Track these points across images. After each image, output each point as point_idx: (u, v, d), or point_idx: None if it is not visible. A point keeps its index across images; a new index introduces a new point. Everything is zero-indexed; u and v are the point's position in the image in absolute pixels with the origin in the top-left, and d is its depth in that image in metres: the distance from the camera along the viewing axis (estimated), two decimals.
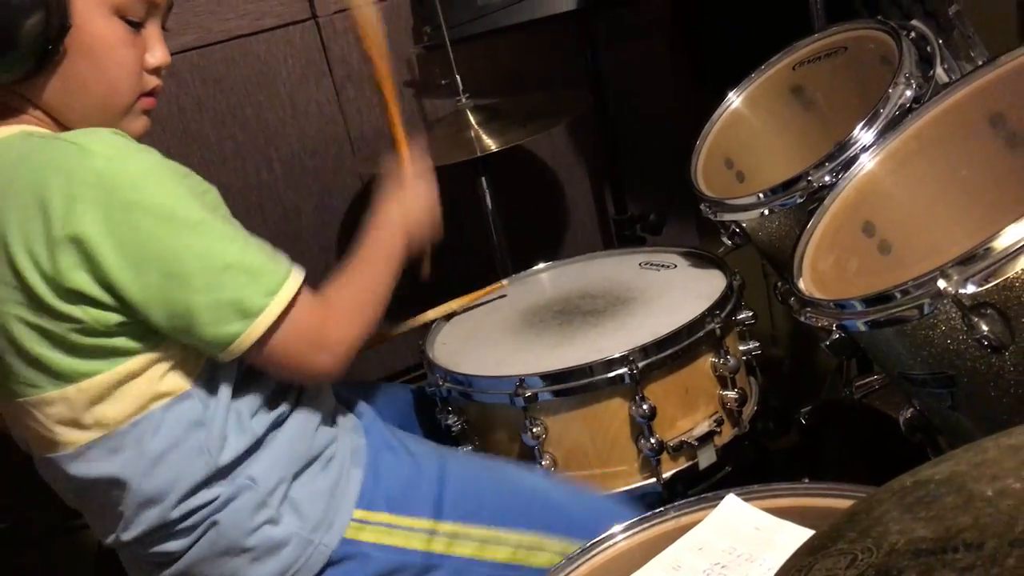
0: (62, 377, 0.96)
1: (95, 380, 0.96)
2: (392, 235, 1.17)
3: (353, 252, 1.13)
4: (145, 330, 0.96)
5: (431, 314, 1.44)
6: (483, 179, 1.75)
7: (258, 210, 1.96)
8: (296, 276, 0.99)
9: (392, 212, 1.19)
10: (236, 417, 1.02)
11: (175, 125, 1.87)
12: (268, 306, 0.95)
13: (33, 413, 0.98)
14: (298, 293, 0.98)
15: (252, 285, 0.95)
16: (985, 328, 0.79)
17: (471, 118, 1.71)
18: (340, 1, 1.56)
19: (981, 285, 0.80)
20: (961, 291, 0.80)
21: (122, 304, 0.93)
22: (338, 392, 1.22)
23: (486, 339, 1.40)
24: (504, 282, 1.50)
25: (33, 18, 0.89)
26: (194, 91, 1.87)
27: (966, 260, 0.80)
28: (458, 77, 1.73)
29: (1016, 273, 0.79)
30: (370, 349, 1.23)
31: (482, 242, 1.82)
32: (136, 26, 0.99)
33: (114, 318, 0.94)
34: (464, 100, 1.74)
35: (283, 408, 1.07)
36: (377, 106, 2.02)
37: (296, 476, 1.06)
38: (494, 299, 1.50)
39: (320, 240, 2.02)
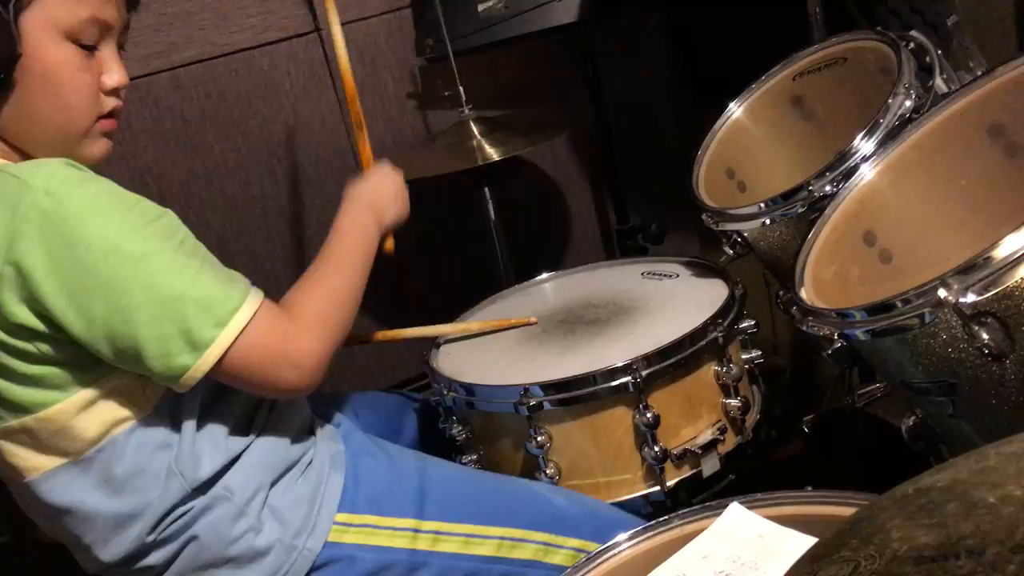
0: (18, 408, 0.96)
1: (52, 410, 0.95)
2: (357, 234, 1.16)
3: (318, 257, 1.12)
4: (95, 360, 0.95)
5: (446, 328, 1.44)
6: (486, 190, 1.76)
7: (262, 221, 1.97)
8: (251, 301, 0.97)
9: (355, 210, 1.19)
10: (210, 436, 1.02)
11: (179, 138, 1.88)
12: (217, 337, 0.94)
13: (0, 442, 0.99)
14: (253, 317, 0.96)
15: (201, 316, 0.93)
16: (986, 337, 0.80)
17: (474, 129, 1.73)
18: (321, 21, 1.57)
19: (981, 294, 0.80)
20: (961, 300, 0.80)
21: (68, 337, 0.92)
22: (315, 405, 1.22)
23: (490, 349, 1.41)
24: (532, 319, 1.46)
25: None
26: (198, 104, 1.88)
27: (966, 269, 0.81)
28: (461, 88, 1.74)
29: (1016, 282, 0.80)
30: (350, 346, 1.23)
31: (485, 252, 1.83)
32: (90, 49, 0.98)
33: (62, 351, 0.93)
34: (467, 111, 1.75)
35: (257, 423, 1.07)
36: (380, 116, 2.03)
37: (274, 483, 1.07)
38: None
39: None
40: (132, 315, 0.91)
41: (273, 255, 1.99)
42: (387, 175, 1.29)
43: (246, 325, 0.95)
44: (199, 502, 1.02)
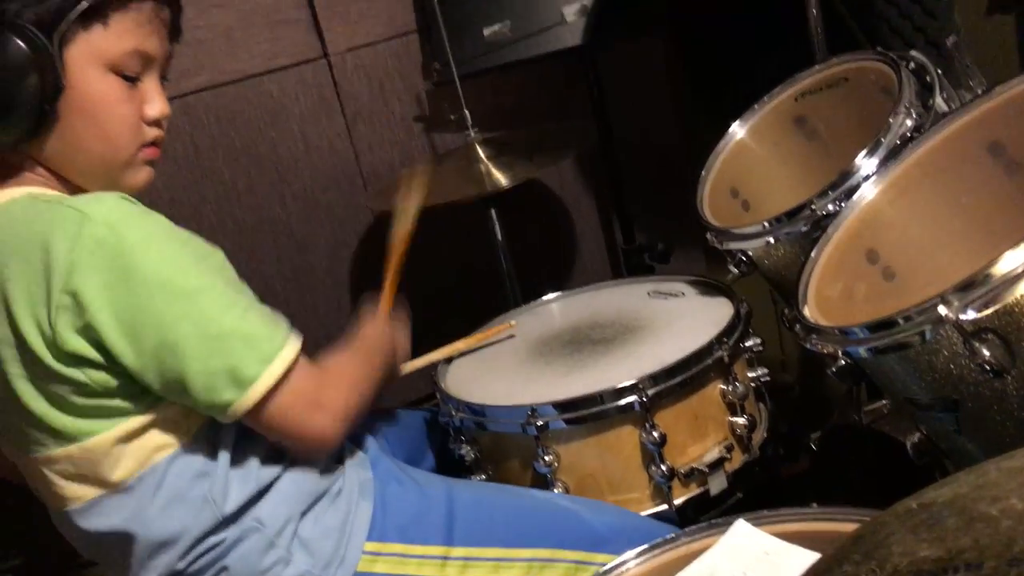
0: (64, 436, 0.97)
1: (97, 439, 0.97)
2: (378, 341, 1.19)
3: (341, 348, 1.13)
4: (144, 390, 0.97)
5: (436, 355, 1.45)
6: (493, 211, 1.78)
7: (272, 245, 1.99)
8: (294, 342, 0.99)
9: (378, 331, 1.21)
10: (242, 465, 1.03)
11: (190, 163, 1.91)
12: (262, 374, 0.95)
13: (41, 470, 1.00)
14: (295, 359, 0.98)
15: (247, 353, 0.95)
16: (987, 353, 0.81)
17: (480, 152, 1.75)
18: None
19: (981, 311, 0.81)
20: (962, 317, 0.81)
21: (119, 367, 0.94)
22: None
23: (497, 369, 1.42)
24: (512, 323, 1.51)
25: (28, 81, 0.90)
26: (209, 130, 1.91)
27: (966, 286, 0.82)
28: (467, 112, 1.77)
29: (1016, 298, 0.81)
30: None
31: (492, 273, 1.85)
32: (132, 80, 1.00)
33: (113, 380, 0.95)
34: (473, 134, 1.77)
35: (288, 454, 1.08)
36: (387, 140, 2.05)
37: (304, 514, 1.07)
38: (503, 339, 1.51)
39: (333, 274, 2.05)
40: (181, 349, 0.93)
41: (283, 279, 2.01)
42: (401, 329, 1.26)
43: (290, 365, 0.97)
44: (231, 533, 1.02)
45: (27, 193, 0.97)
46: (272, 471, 1.05)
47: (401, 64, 2.04)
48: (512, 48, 1.86)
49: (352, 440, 1.23)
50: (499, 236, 1.80)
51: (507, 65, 1.89)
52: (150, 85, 1.02)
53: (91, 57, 0.96)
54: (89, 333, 0.92)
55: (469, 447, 1.32)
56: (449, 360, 1.48)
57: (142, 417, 0.98)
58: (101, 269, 0.90)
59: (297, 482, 1.07)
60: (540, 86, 2.13)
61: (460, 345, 1.47)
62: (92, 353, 0.93)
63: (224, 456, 1.02)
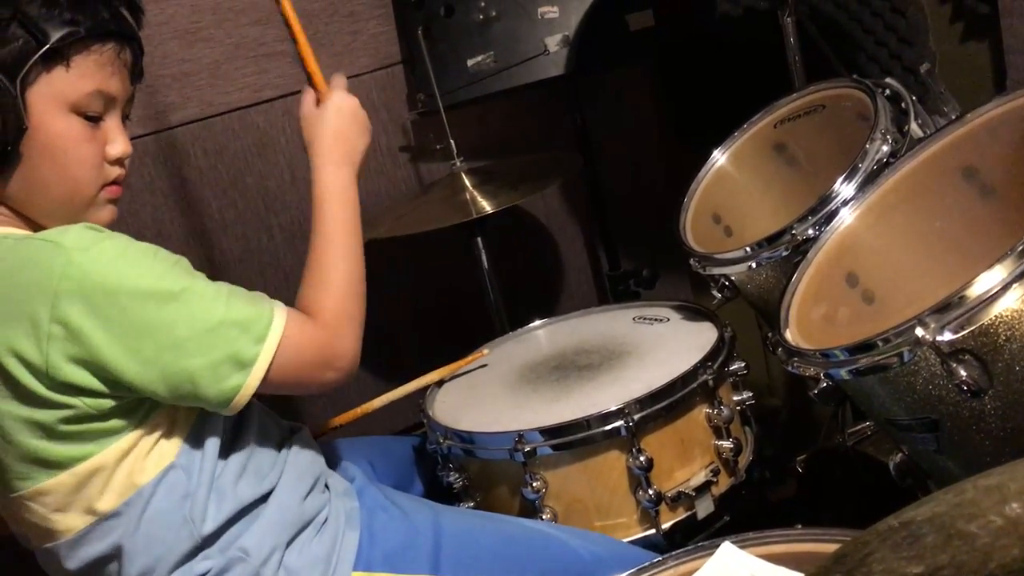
0: (55, 465, 0.98)
1: (87, 464, 0.98)
2: (343, 201, 1.15)
3: (314, 241, 1.13)
4: (133, 409, 0.98)
5: (411, 387, 1.44)
6: (479, 239, 1.79)
7: (259, 276, 2.00)
8: (280, 314, 1.02)
9: (330, 169, 1.16)
10: (218, 486, 1.03)
11: (178, 196, 1.91)
12: (261, 352, 0.98)
13: (30, 505, 1.00)
14: (286, 327, 1.01)
15: (242, 337, 0.98)
16: (964, 374, 0.83)
17: (466, 181, 1.76)
18: None
19: (957, 332, 0.83)
20: (939, 338, 0.83)
21: (120, 386, 0.95)
22: (329, 456, 1.24)
23: (485, 396, 1.43)
24: (484, 350, 1.52)
25: None
26: (196, 162, 1.92)
27: (942, 308, 0.84)
28: (452, 141, 1.78)
29: (991, 319, 0.83)
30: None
31: (479, 301, 1.86)
32: (94, 120, 1.01)
33: (107, 402, 0.96)
34: (458, 164, 1.79)
35: (272, 475, 1.09)
36: (374, 170, 2.07)
37: (290, 543, 1.07)
38: (477, 367, 1.52)
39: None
40: (181, 350, 0.95)
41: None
42: (344, 108, 1.19)
43: (282, 336, 1.00)
44: (216, 562, 1.03)
45: None
46: (254, 492, 1.06)
47: (386, 95, 2.06)
48: (496, 79, 1.88)
49: (338, 468, 1.23)
50: (485, 264, 1.81)
51: (491, 95, 1.91)
52: (112, 125, 1.03)
53: (53, 98, 0.97)
54: (85, 358, 0.93)
55: (457, 474, 1.33)
56: (440, 385, 1.49)
57: (129, 436, 0.99)
58: (85, 294, 0.92)
59: (283, 511, 1.07)
60: (525, 115, 2.15)
61: (434, 376, 1.47)
62: (89, 379, 0.94)
63: (204, 476, 1.02)
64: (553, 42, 1.87)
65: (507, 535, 1.17)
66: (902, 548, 0.57)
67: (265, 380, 1.00)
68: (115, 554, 1.01)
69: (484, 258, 1.81)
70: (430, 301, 2.14)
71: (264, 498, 1.07)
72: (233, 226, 1.97)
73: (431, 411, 1.41)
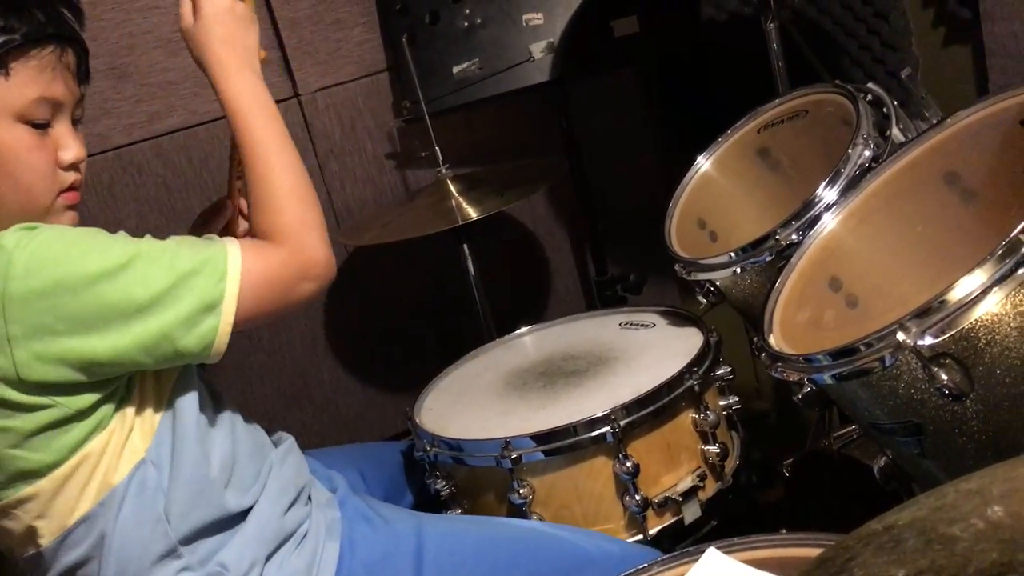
0: (32, 474, 0.97)
1: (64, 468, 0.97)
2: (256, 107, 1.10)
3: (245, 158, 1.09)
4: (106, 401, 0.97)
5: None
6: (465, 246, 1.79)
7: None
8: (234, 247, 1.00)
9: (230, 75, 1.10)
10: (201, 486, 1.03)
11: (163, 204, 1.91)
12: (225, 289, 0.97)
13: (13, 513, 1.00)
14: (243, 258, 0.99)
15: (202, 280, 0.97)
16: (945, 378, 0.83)
17: (452, 188, 1.77)
18: None
19: (938, 336, 0.83)
20: (920, 343, 0.83)
21: (97, 369, 0.94)
22: (315, 465, 1.23)
23: (472, 403, 1.43)
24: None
25: None
26: (181, 171, 1.92)
27: (923, 313, 0.84)
28: (438, 148, 1.79)
29: (972, 323, 0.83)
30: None
31: (467, 307, 1.86)
32: (43, 127, 0.99)
33: (85, 397, 0.95)
34: (444, 171, 1.79)
35: (256, 487, 1.08)
36: (360, 177, 2.07)
37: (269, 557, 1.06)
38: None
39: (308, 314, 2.05)
40: (146, 312, 0.94)
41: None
42: (219, 8, 1.12)
43: (242, 267, 0.99)
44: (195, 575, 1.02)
45: None
46: (235, 505, 1.05)
47: (372, 102, 2.06)
48: (481, 86, 1.88)
49: (322, 477, 1.23)
50: (472, 271, 1.81)
51: (477, 102, 1.91)
52: (62, 130, 1.01)
53: None
54: (55, 352, 0.92)
55: (445, 482, 1.32)
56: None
57: (103, 435, 0.98)
58: (33, 289, 0.90)
59: (263, 526, 1.06)
60: (510, 122, 2.16)
61: None
62: (65, 373, 0.93)
63: (180, 472, 1.01)
64: (538, 49, 1.87)
65: (492, 537, 1.17)
66: (883, 552, 0.57)
67: (240, 313, 0.98)
68: (92, 557, 1.01)
69: (471, 264, 1.81)
70: (417, 308, 2.14)
71: (245, 512, 1.06)
72: (218, 235, 1.96)
73: (418, 418, 1.41)
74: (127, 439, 1.00)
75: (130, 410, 1.00)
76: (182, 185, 1.92)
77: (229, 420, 1.09)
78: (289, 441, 1.20)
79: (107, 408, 0.98)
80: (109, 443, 0.99)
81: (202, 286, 0.96)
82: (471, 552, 1.14)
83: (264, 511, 1.07)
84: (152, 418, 1.02)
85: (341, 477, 1.24)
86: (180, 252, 0.98)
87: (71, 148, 1.02)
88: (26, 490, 0.98)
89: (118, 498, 0.99)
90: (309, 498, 1.15)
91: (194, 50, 1.13)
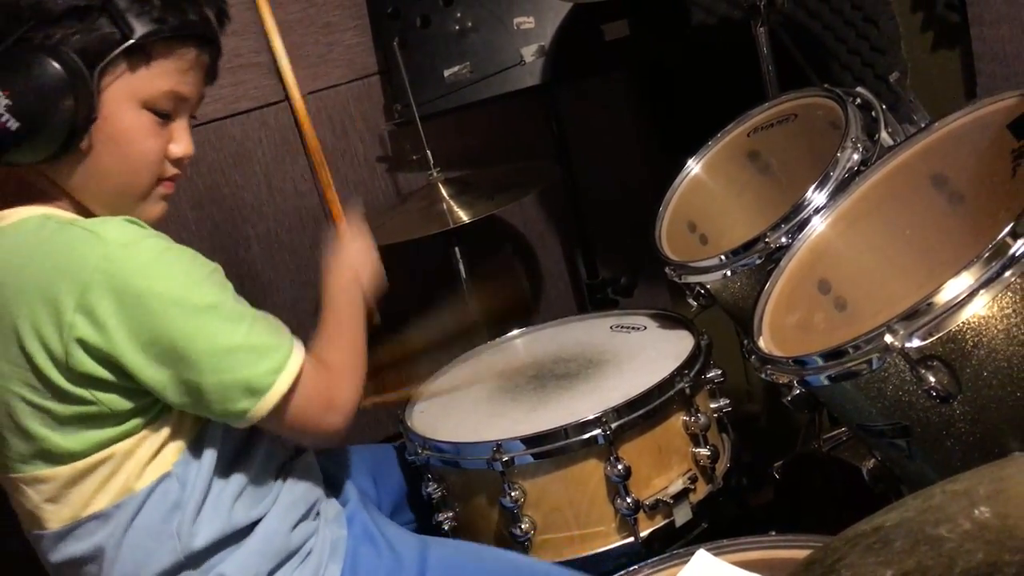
0: (55, 458, 0.98)
1: (87, 461, 0.98)
2: (351, 292, 1.19)
3: (325, 315, 1.16)
4: (145, 411, 0.99)
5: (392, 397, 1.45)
6: (456, 249, 1.80)
7: (238, 288, 1.97)
8: (299, 349, 1.02)
9: (343, 271, 1.21)
10: (215, 503, 1.03)
11: None
12: (274, 384, 0.99)
13: (24, 489, 1.01)
14: (303, 366, 1.01)
15: (258, 364, 0.98)
16: (932, 379, 0.83)
17: (443, 191, 1.77)
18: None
19: (926, 338, 0.84)
20: (907, 345, 0.84)
21: (134, 386, 0.96)
22: (328, 471, 1.23)
23: (463, 405, 1.43)
24: (407, 390, 1.50)
25: (62, 106, 0.92)
26: None
27: (910, 315, 0.85)
28: (429, 152, 1.79)
29: (959, 326, 0.84)
30: None
31: (458, 311, 1.86)
32: (165, 117, 1.02)
33: (123, 402, 0.97)
34: (435, 174, 1.80)
35: (267, 500, 1.08)
36: (351, 180, 2.07)
37: (271, 573, 1.07)
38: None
39: (297, 315, 2.05)
40: (196, 363, 0.96)
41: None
42: (360, 245, 1.28)
43: (298, 372, 1.00)
44: None
45: (41, 213, 0.98)
46: (243, 519, 1.05)
47: (363, 106, 2.06)
48: (472, 89, 1.89)
49: (334, 484, 1.23)
50: (463, 274, 1.81)
51: (468, 105, 1.91)
52: (180, 125, 1.04)
53: (128, 92, 0.98)
54: (104, 352, 0.93)
55: (436, 485, 1.33)
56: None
57: (132, 439, 0.99)
58: (114, 288, 0.92)
59: (269, 540, 1.06)
60: (501, 125, 2.16)
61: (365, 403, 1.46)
62: (105, 373, 0.94)
63: (199, 490, 1.02)
64: (529, 52, 1.88)
65: (495, 570, 1.16)
66: (871, 553, 0.57)
67: (276, 411, 1.00)
68: (97, 555, 1.01)
69: (462, 268, 1.81)
70: (408, 311, 2.13)
71: (253, 525, 1.06)
72: (210, 238, 1.96)
73: (409, 421, 1.41)
74: (158, 450, 1.01)
75: (166, 423, 1.01)
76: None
77: (254, 437, 1.09)
78: (307, 454, 1.19)
79: (143, 416, 0.99)
80: (137, 449, 0.99)
81: (256, 368, 0.98)
82: None
83: (272, 525, 1.07)
84: (186, 435, 1.02)
85: (353, 487, 1.24)
86: (256, 325, 1.00)
87: (182, 144, 1.05)
88: (44, 471, 0.99)
89: (136, 504, 1.00)
90: (318, 513, 1.15)
91: (325, 262, 1.23)
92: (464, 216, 1.67)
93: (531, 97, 1.99)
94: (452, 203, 1.73)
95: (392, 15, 1.93)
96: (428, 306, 2.14)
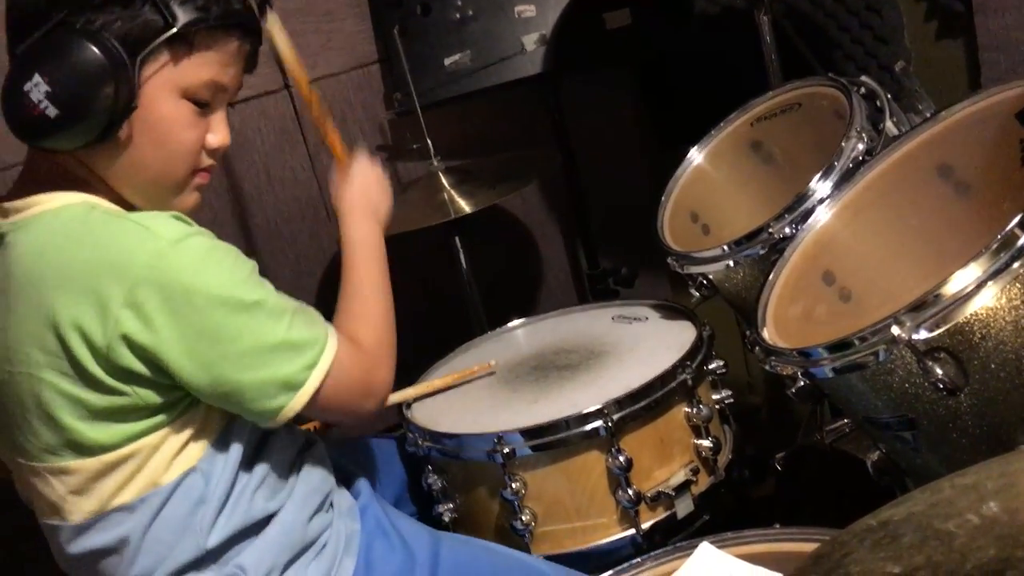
0: (85, 450, 0.97)
1: (116, 454, 0.97)
2: (372, 252, 1.19)
3: (346, 282, 1.15)
4: (173, 405, 0.98)
5: (410, 392, 1.43)
6: (457, 239, 1.79)
7: None
8: (333, 340, 1.02)
9: (359, 225, 1.20)
10: (236, 497, 1.03)
11: None
12: (309, 378, 0.99)
13: (48, 479, 1.00)
14: (336, 355, 1.01)
15: (295, 360, 0.98)
16: (939, 372, 0.83)
17: (443, 181, 1.76)
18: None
19: (933, 330, 0.83)
20: (914, 337, 0.83)
21: (170, 380, 0.95)
22: (338, 463, 1.22)
23: (464, 397, 1.42)
24: (492, 362, 1.48)
25: (102, 93, 0.90)
26: None
27: (918, 307, 0.84)
28: (429, 141, 1.78)
29: (966, 317, 0.83)
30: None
31: (458, 301, 1.85)
32: (204, 107, 1.00)
33: (155, 396, 0.96)
34: (436, 163, 1.78)
35: (284, 492, 1.07)
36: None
37: (287, 566, 1.06)
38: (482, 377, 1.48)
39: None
40: (239, 362, 0.96)
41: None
42: (369, 172, 1.27)
43: (333, 362, 1.00)
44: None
45: (83, 201, 0.97)
46: (261, 510, 1.05)
47: (363, 95, 2.05)
48: (473, 78, 1.87)
49: (347, 477, 1.22)
50: (464, 264, 1.80)
51: (468, 94, 1.90)
52: (218, 115, 1.03)
53: (168, 81, 0.96)
54: (147, 348, 0.92)
55: (437, 476, 1.32)
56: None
57: (161, 434, 0.98)
58: (164, 286, 0.91)
59: (287, 532, 1.06)
60: (502, 114, 2.15)
61: (437, 383, 1.45)
62: (144, 369, 0.94)
63: (221, 485, 1.02)
64: (530, 41, 1.86)
65: (505, 570, 1.15)
66: (879, 548, 0.56)
67: (310, 403, 0.99)
68: (118, 549, 1.00)
69: (463, 258, 1.80)
70: (408, 301, 2.12)
71: (270, 517, 1.06)
72: (208, 227, 1.93)
73: (410, 413, 1.40)
74: (184, 445, 1.00)
75: (193, 419, 1.00)
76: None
77: (272, 429, 1.08)
78: (318, 444, 1.19)
79: (171, 411, 0.99)
80: (164, 444, 0.99)
81: (294, 364, 0.98)
82: None
83: (289, 517, 1.07)
84: (212, 430, 1.02)
85: (364, 480, 1.23)
86: (296, 320, 1.00)
87: (220, 134, 1.03)
88: (71, 462, 0.98)
89: (161, 499, 0.99)
90: (331, 505, 1.14)
91: (335, 201, 1.25)
92: (465, 206, 1.66)
93: (532, 86, 1.97)
94: (453, 193, 1.72)
95: (392, 3, 1.92)
96: (429, 296, 2.13)
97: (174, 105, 0.98)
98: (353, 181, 1.25)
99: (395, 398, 1.40)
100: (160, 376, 0.95)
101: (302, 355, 0.99)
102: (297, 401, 0.99)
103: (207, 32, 0.96)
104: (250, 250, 1.99)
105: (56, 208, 0.96)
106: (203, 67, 0.98)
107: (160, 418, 0.98)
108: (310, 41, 1.97)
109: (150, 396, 0.96)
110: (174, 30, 0.93)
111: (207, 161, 1.04)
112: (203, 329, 0.94)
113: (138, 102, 0.93)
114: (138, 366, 0.93)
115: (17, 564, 1.67)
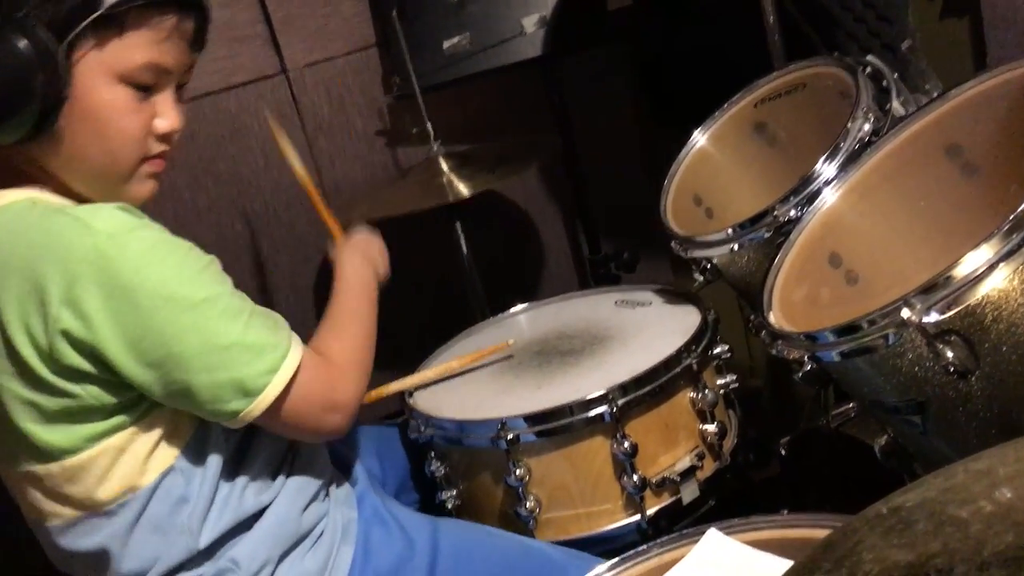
0: (45, 455, 0.95)
1: (77, 458, 0.95)
2: (363, 281, 1.18)
3: (331, 308, 1.14)
4: (133, 406, 0.96)
5: (430, 374, 1.42)
6: (457, 224, 1.77)
7: (234, 263, 1.96)
8: (296, 349, 0.98)
9: (354, 261, 1.21)
10: (225, 494, 1.01)
11: None
12: (269, 384, 0.95)
13: (23, 484, 0.99)
14: (300, 364, 0.98)
15: (253, 364, 0.95)
16: (950, 355, 0.81)
17: (443, 165, 1.74)
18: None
19: (944, 313, 0.82)
20: (925, 319, 0.82)
21: (119, 380, 0.92)
22: (336, 451, 1.21)
23: (466, 383, 1.41)
24: (509, 341, 1.46)
25: (30, 84, 0.86)
26: None
27: (928, 289, 0.82)
28: (429, 125, 1.76)
29: (978, 300, 0.82)
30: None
31: (459, 286, 1.84)
32: (145, 90, 0.96)
33: (108, 395, 0.93)
34: (436, 147, 1.77)
35: (276, 484, 1.06)
36: (350, 155, 2.04)
37: (283, 557, 1.05)
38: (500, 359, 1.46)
39: (296, 290, 2.03)
40: (187, 362, 0.92)
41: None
42: (370, 237, 1.29)
43: (295, 372, 0.97)
44: (205, 571, 1.01)
45: (27, 197, 0.94)
46: (253, 505, 1.03)
47: (361, 78, 2.03)
48: (472, 60, 1.85)
49: (343, 465, 1.21)
50: (464, 249, 1.79)
51: (468, 77, 1.88)
52: (163, 97, 0.98)
53: (100, 66, 0.91)
54: (90, 346, 0.90)
55: (440, 463, 1.31)
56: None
57: (124, 435, 0.96)
58: (102, 282, 0.88)
59: (280, 524, 1.04)
60: (502, 98, 2.13)
61: (454, 364, 1.44)
62: (89, 367, 0.91)
63: (207, 483, 1.00)
64: (530, 22, 1.84)
65: (504, 558, 1.14)
66: (892, 536, 0.55)
67: (270, 411, 0.96)
68: (103, 552, 0.99)
69: (463, 242, 1.79)
70: (408, 287, 2.11)
71: (263, 510, 1.04)
72: (206, 213, 1.94)
73: (412, 399, 1.39)
74: (156, 445, 0.98)
75: (160, 418, 0.98)
76: (168, 163, 1.89)
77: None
78: None
79: (130, 411, 0.96)
80: (131, 445, 0.96)
81: (250, 368, 0.94)
82: (485, 568, 1.12)
83: (282, 510, 1.05)
84: (186, 428, 1.00)
85: (362, 468, 1.22)
86: (253, 322, 0.96)
87: (168, 118, 0.98)
88: (37, 468, 0.96)
89: (142, 501, 0.98)
90: (327, 494, 1.13)
91: (334, 256, 1.25)
92: (465, 190, 1.65)
93: (533, 69, 1.96)
94: (452, 177, 1.70)
95: None
96: (429, 282, 2.12)
97: (110, 91, 0.93)
98: (355, 239, 1.27)
99: (413, 380, 1.39)
100: (108, 374, 0.92)
101: (260, 359, 0.95)
102: (256, 407, 0.95)
103: (137, 11, 0.91)
104: (248, 235, 1.98)
105: (2, 207, 0.93)
106: (137, 49, 0.92)
107: (120, 419, 0.95)
108: (307, 25, 1.96)
109: (102, 396, 0.93)
110: (100, 11, 0.88)
111: (157, 147, 0.99)
112: (148, 328, 0.90)
113: (70, 91, 0.89)
114: (83, 364, 0.91)
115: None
